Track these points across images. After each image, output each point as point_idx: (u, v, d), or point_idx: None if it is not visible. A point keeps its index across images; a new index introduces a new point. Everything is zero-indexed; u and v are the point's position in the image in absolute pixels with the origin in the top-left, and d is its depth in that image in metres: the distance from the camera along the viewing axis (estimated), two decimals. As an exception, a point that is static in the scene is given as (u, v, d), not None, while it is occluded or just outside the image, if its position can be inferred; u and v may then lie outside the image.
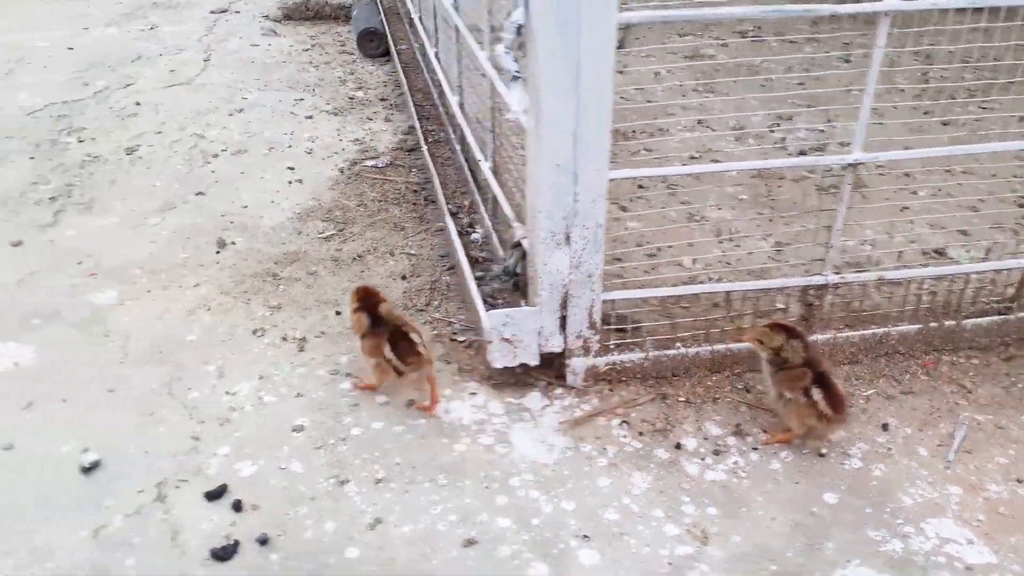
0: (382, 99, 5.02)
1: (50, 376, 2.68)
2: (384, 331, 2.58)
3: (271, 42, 5.87)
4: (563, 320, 2.58)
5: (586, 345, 2.64)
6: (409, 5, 5.30)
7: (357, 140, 4.45)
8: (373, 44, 5.71)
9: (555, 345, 2.62)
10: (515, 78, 2.14)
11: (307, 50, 5.76)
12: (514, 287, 2.73)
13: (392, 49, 5.39)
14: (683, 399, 2.70)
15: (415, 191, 3.96)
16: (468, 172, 3.62)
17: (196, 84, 5.09)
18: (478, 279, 2.88)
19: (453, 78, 3.81)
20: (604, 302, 2.58)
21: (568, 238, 2.42)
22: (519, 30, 2.08)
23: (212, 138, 4.38)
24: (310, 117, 4.69)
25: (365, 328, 2.63)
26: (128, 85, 5.01)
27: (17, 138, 4.29)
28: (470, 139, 3.43)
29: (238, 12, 6.49)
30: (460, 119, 3.67)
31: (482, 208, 3.33)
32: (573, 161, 2.28)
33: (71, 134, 4.35)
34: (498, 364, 2.61)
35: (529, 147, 2.33)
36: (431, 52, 4.37)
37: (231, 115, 4.67)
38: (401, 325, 2.60)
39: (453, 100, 3.74)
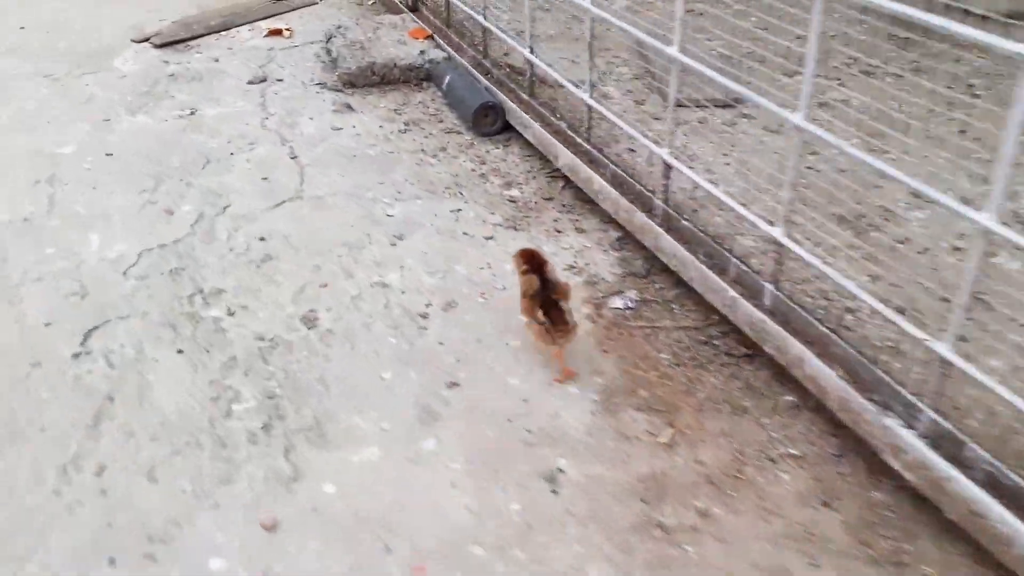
0: (547, 198, 4.09)
1: None
2: (540, 297, 2.86)
3: (353, 123, 4.77)
4: None
5: None
6: (565, 81, 4.33)
7: (572, 267, 3.52)
8: (488, 120, 4.73)
9: None
10: None
11: (404, 132, 4.71)
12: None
13: (537, 130, 4.42)
14: None
15: (704, 341, 3.10)
16: (829, 332, 2.78)
17: (311, 198, 3.96)
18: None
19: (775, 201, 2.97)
20: None
21: None
22: None
23: (398, 286, 3.33)
24: (490, 238, 3.70)
25: (536, 289, 2.87)
26: (226, 208, 3.83)
27: (137, 316, 3.09)
28: (863, 298, 2.61)
29: (281, 81, 5.30)
30: (793, 251, 2.84)
31: (911, 396, 2.50)
32: None
33: (208, 301, 3.19)
34: None
35: None
36: (661, 152, 3.48)
37: (394, 245, 3.61)
38: (552, 293, 2.87)
39: (775, 231, 2.90)
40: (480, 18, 5.12)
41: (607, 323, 3.18)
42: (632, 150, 4.35)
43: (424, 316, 3.17)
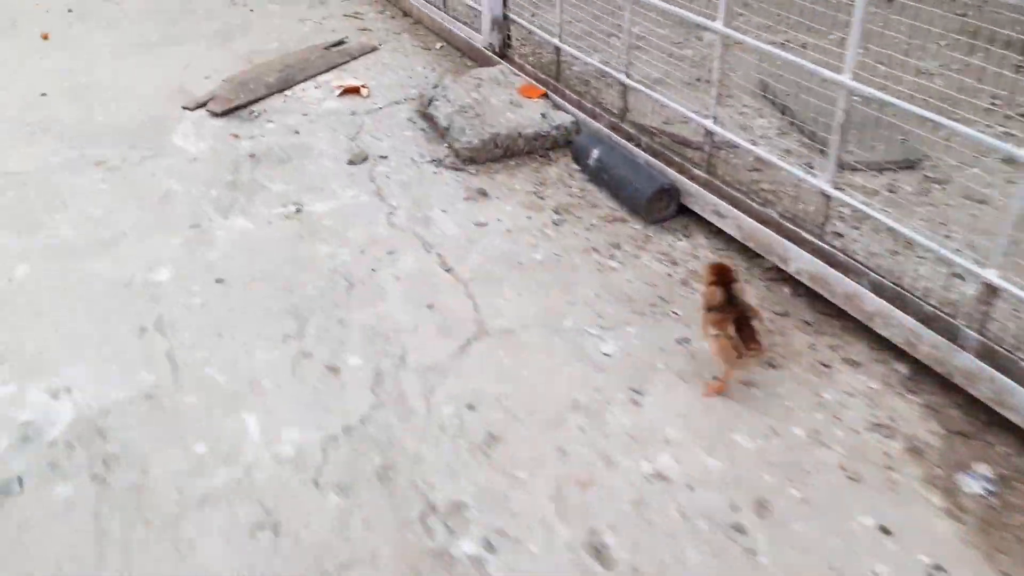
0: (780, 314, 3.31)
1: None
2: (732, 311, 2.71)
3: (497, 215, 3.92)
4: None
5: None
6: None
7: (877, 426, 2.75)
8: (661, 204, 3.94)
9: None
10: None
11: (559, 223, 3.88)
12: None
13: (743, 221, 3.61)
14: None
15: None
16: None
17: (498, 332, 3.12)
18: None
19: None
20: None
21: None
22: None
23: (680, 478, 2.51)
24: (752, 385, 2.90)
25: (719, 302, 2.75)
26: (403, 357, 2.97)
27: (364, 562, 2.20)
28: None
29: (385, 158, 4.42)
30: None
31: None
32: None
33: (451, 526, 2.32)
34: None
35: None
36: (986, 273, 2.72)
37: (638, 404, 2.80)
38: (746, 311, 2.72)
39: None
40: (622, 76, 4.31)
41: (977, 520, 2.41)
42: (840, 234, 3.63)
43: (739, 530, 2.36)
